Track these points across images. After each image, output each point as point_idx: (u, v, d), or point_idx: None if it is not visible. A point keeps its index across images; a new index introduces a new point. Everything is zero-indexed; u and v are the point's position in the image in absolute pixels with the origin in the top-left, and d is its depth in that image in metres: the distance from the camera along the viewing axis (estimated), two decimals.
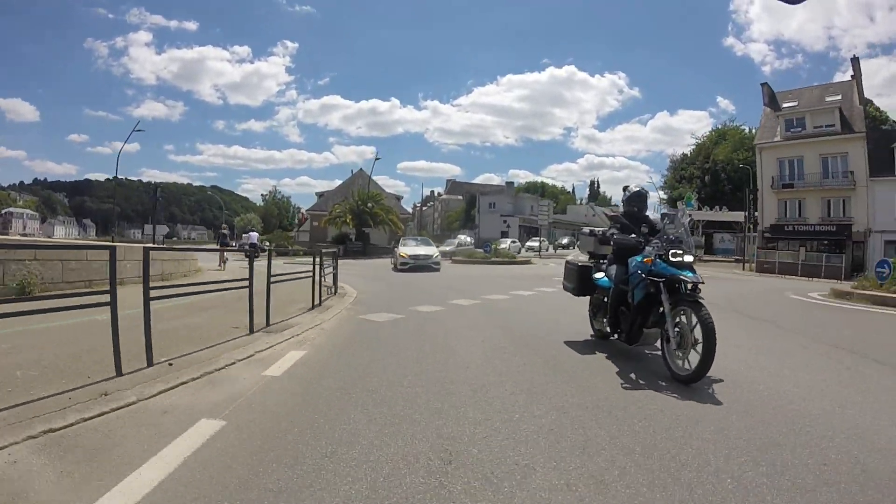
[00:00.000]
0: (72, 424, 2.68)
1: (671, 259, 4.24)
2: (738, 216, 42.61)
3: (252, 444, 2.54)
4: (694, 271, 4.23)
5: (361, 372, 4.07)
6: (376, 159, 55.32)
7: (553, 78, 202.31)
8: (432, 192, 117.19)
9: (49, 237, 68.83)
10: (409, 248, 20.86)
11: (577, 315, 6.58)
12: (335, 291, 9.73)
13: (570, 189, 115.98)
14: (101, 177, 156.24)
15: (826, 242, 35.49)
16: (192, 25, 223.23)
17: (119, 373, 3.51)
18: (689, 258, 4.28)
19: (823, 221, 36.11)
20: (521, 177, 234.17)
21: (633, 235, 4.88)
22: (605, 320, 5.23)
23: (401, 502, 1.99)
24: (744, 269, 34.29)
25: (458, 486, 2.12)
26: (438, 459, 2.38)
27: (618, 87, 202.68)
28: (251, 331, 5.29)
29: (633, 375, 4.15)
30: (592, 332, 5.79)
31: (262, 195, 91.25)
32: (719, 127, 62.47)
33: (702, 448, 2.59)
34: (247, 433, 2.69)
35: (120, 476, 2.13)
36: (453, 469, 2.29)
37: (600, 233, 5.56)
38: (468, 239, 38.10)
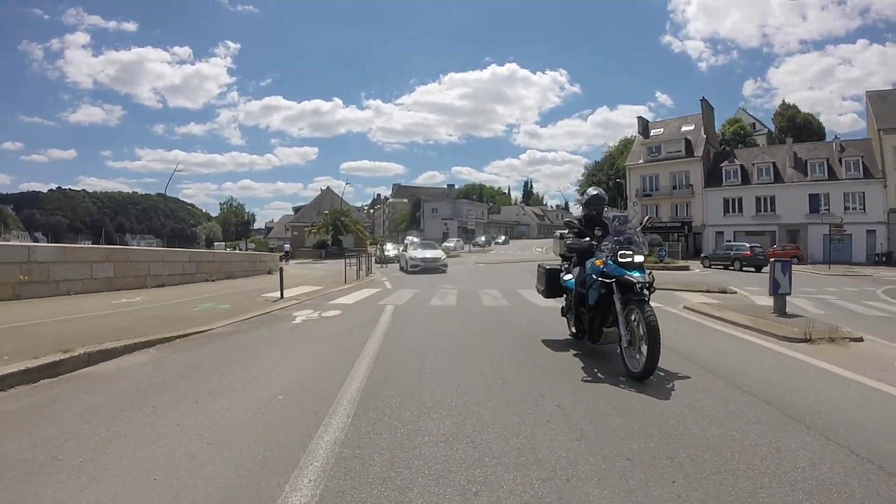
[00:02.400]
0: (360, 280, 17.89)
1: (620, 260, 4.56)
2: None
3: (403, 280, 18.06)
4: (643, 270, 4.56)
5: (408, 276, 19.95)
6: (346, 184, 72.18)
7: (495, 76, 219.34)
8: (378, 194, 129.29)
9: None
10: (418, 252, 23.55)
11: (451, 281, 22.40)
12: (367, 273, 24.47)
13: (506, 189, 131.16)
14: (41, 187, 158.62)
15: (675, 234, 53.00)
16: (131, 26, 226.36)
17: (358, 278, 18.54)
18: (639, 258, 4.59)
19: (673, 220, 53.20)
20: (465, 174, 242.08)
21: (587, 238, 5.29)
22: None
23: (432, 289, 16.81)
24: None
25: (451, 287, 16.48)
26: (444, 283, 17.30)
27: (559, 83, 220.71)
28: (366, 273, 20.29)
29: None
30: (570, 333, 6.26)
31: (220, 204, 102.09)
32: (624, 138, 76.13)
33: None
34: (400, 281, 18.12)
35: (382, 285, 17.08)
36: (451, 282, 17.52)
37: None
38: (416, 240, 52.29)
